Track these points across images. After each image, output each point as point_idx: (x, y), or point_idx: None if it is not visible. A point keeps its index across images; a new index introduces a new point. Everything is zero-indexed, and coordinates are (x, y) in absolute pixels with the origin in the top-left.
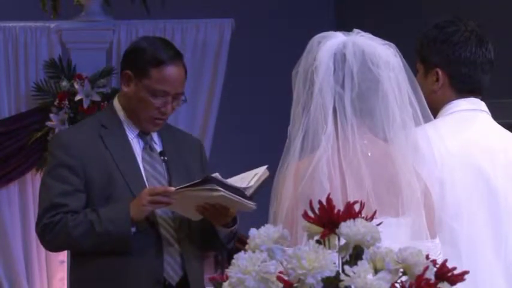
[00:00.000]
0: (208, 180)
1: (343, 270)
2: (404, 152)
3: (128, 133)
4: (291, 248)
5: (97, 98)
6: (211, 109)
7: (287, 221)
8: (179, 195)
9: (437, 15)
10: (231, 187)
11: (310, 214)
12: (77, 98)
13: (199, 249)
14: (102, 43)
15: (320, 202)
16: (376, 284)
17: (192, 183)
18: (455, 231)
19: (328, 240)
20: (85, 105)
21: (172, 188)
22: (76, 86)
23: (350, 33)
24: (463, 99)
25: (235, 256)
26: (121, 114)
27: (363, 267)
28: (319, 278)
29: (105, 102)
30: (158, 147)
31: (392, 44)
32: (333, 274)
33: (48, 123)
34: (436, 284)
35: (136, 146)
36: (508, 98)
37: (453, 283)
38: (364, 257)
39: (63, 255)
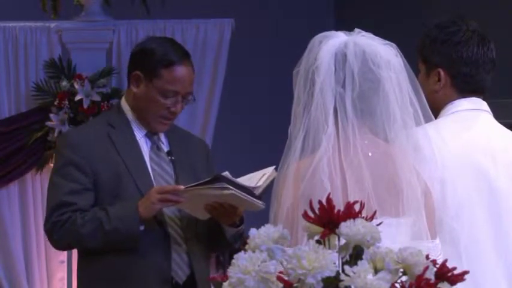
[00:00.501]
0: (218, 179)
1: (343, 270)
2: (405, 152)
3: (135, 133)
4: (291, 248)
5: (97, 98)
6: (211, 109)
7: (287, 220)
8: (188, 193)
9: (437, 15)
10: (240, 186)
11: (310, 214)
12: (77, 98)
13: (206, 248)
14: (102, 43)
15: (320, 202)
16: (376, 284)
17: (201, 181)
18: (456, 231)
19: (328, 240)
20: (85, 105)
21: (182, 187)
22: (76, 86)
23: (351, 33)
24: (464, 99)
25: (235, 256)
26: (129, 114)
27: (363, 267)
28: (319, 278)
29: (105, 102)
30: (165, 147)
31: (393, 44)
32: (333, 274)
33: (48, 123)
34: (436, 284)
35: (144, 145)
36: (508, 98)
37: (453, 283)
38: (364, 257)
39: (63, 255)
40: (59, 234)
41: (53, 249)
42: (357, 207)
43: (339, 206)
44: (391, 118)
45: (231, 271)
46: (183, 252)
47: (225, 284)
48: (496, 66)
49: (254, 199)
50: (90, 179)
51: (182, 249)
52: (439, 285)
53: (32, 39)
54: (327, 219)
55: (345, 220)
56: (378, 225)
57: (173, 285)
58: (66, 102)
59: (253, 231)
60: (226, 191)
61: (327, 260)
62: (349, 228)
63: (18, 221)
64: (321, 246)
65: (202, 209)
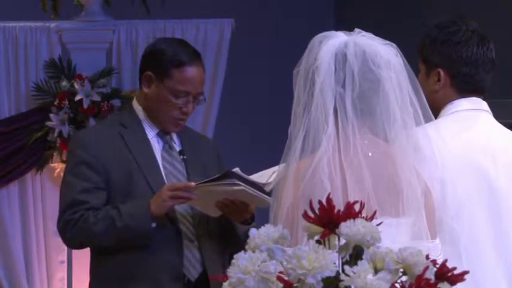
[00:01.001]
0: (228, 175)
1: (343, 270)
2: (405, 152)
3: (147, 132)
4: (291, 248)
5: (97, 98)
6: (211, 109)
7: (287, 220)
8: (199, 190)
9: (437, 15)
10: (250, 182)
11: (310, 214)
12: (77, 98)
13: (218, 245)
14: (102, 43)
15: (320, 202)
16: (376, 284)
17: (212, 178)
18: (456, 231)
19: (328, 240)
20: (85, 105)
21: (193, 183)
22: (76, 86)
23: (351, 33)
24: (464, 99)
25: (235, 256)
26: (140, 114)
27: (363, 267)
28: (319, 278)
29: (105, 102)
30: (177, 147)
31: (393, 44)
32: (333, 274)
33: (48, 123)
34: (436, 284)
35: (156, 144)
36: (508, 98)
37: (453, 283)
38: (364, 257)
39: (63, 255)
40: (71, 233)
41: (53, 249)
42: (357, 207)
43: (339, 206)
44: (391, 118)
45: (231, 271)
46: (195, 249)
47: (225, 284)
48: (496, 66)
49: (264, 195)
50: (102, 178)
51: (194, 246)
52: (439, 285)
53: (32, 39)
54: (327, 219)
55: (345, 220)
56: (378, 225)
57: (185, 283)
58: (66, 102)
59: (253, 231)
60: (236, 187)
61: (327, 260)
62: (349, 228)
63: (18, 221)
64: (321, 246)
65: (213, 206)
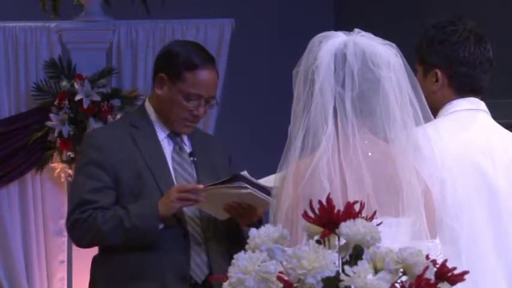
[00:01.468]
0: (236, 178)
1: (343, 270)
2: (405, 152)
3: (158, 133)
4: (291, 248)
5: (97, 98)
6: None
7: (287, 220)
8: (207, 192)
9: (437, 15)
10: (258, 185)
11: (310, 214)
12: (77, 98)
13: (225, 248)
14: (102, 43)
15: (320, 202)
16: (376, 284)
17: (220, 180)
18: (456, 231)
19: (328, 240)
20: (85, 105)
21: (201, 186)
22: (76, 86)
23: (351, 33)
24: (462, 99)
25: (235, 256)
26: (152, 115)
27: (363, 267)
28: (319, 278)
29: (105, 102)
30: (188, 148)
31: (393, 44)
32: (333, 274)
33: (48, 123)
34: (436, 284)
35: (166, 146)
36: (508, 98)
37: (453, 283)
38: (364, 257)
39: (63, 255)
40: (80, 232)
41: (53, 249)
42: (357, 207)
43: (339, 206)
44: (390, 118)
45: (231, 271)
46: (203, 251)
47: (225, 284)
48: (493, 66)
49: (272, 199)
50: (111, 178)
51: (202, 249)
52: (439, 285)
53: (32, 39)
54: (327, 219)
55: (345, 220)
56: (378, 225)
57: (191, 284)
58: (66, 102)
59: (253, 231)
60: (244, 190)
61: (327, 260)
62: (349, 228)
63: (18, 221)
64: (321, 246)
65: (221, 209)
